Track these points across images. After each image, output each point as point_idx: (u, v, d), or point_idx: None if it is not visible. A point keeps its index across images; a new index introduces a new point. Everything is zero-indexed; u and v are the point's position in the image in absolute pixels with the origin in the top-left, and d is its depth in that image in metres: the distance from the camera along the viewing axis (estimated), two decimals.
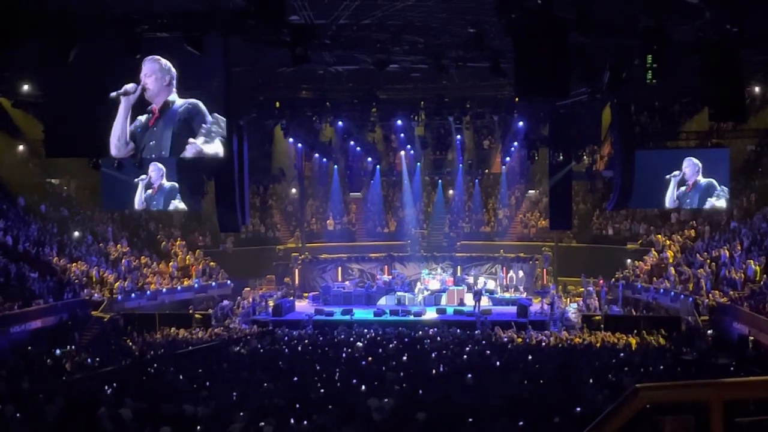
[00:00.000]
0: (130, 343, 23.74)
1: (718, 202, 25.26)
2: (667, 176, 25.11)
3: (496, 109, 27.47)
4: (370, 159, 37.65)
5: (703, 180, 25.01)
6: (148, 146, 17.22)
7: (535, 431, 10.31)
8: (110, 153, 17.64)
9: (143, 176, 25.64)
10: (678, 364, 17.62)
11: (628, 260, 31.88)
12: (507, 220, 38.14)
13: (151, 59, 16.54)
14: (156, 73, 16.66)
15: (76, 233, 31.00)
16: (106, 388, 14.42)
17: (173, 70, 16.69)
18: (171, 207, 26.90)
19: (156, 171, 25.76)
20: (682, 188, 25.16)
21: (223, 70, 16.18)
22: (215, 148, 16.88)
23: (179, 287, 31.38)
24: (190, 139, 16.97)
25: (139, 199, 26.06)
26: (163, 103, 16.86)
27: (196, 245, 35.17)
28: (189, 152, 17.17)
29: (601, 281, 30.94)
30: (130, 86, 16.73)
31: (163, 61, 16.59)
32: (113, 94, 16.68)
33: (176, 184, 25.92)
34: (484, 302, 29.73)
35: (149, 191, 25.93)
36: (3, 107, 28.03)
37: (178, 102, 16.80)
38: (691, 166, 25.15)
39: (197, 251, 34.31)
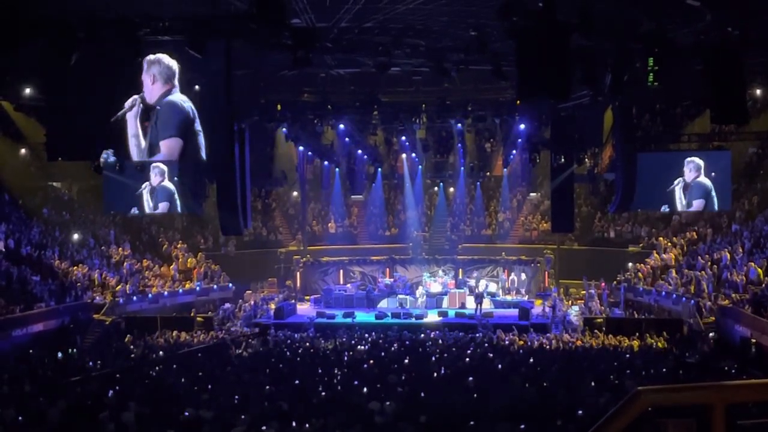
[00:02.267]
0: (132, 347, 23.75)
1: (703, 203, 25.54)
2: (669, 189, 25.11)
3: (498, 112, 27.44)
4: (371, 162, 37.66)
5: (698, 179, 25.04)
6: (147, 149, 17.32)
7: None
8: (131, 158, 17.80)
9: (146, 183, 25.71)
10: (680, 367, 17.61)
11: (630, 264, 31.84)
12: (508, 223, 38.13)
13: (147, 61, 16.53)
14: (146, 73, 16.65)
15: (76, 236, 31.00)
16: (109, 391, 14.43)
17: (171, 66, 16.58)
18: (159, 209, 26.94)
19: (154, 172, 25.78)
20: (686, 192, 25.22)
21: (224, 73, 16.18)
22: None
23: (181, 290, 31.40)
24: (161, 142, 17.04)
25: (147, 206, 26.20)
26: (152, 103, 16.90)
27: (198, 248, 35.19)
28: (162, 155, 17.22)
29: (603, 284, 30.93)
30: (128, 102, 16.78)
31: (156, 57, 16.52)
32: (117, 115, 16.73)
33: (171, 186, 25.94)
34: (486, 305, 29.71)
35: (153, 195, 26.03)
36: (5, 111, 28.10)
37: (166, 98, 16.75)
38: (689, 166, 25.18)
39: (199, 254, 34.33)
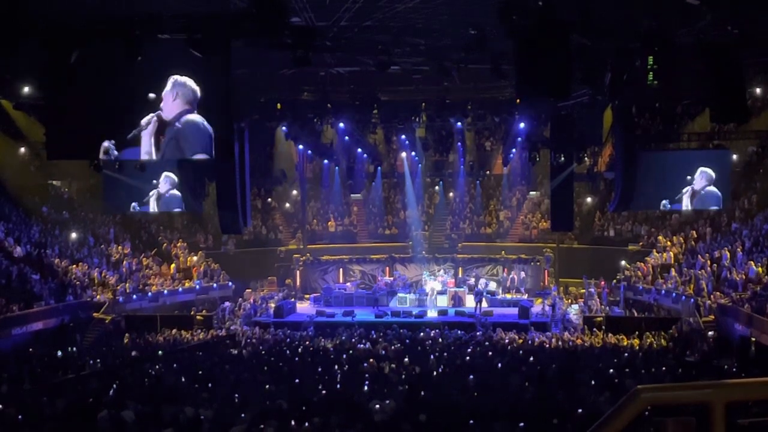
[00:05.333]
0: (132, 345, 23.76)
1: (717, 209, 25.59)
2: (678, 197, 24.95)
3: (498, 111, 27.45)
4: (371, 160, 37.68)
5: (708, 188, 24.92)
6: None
7: None
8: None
9: (154, 191, 25.65)
10: (679, 366, 17.62)
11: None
12: (508, 222, 38.15)
13: (174, 81, 16.42)
14: (169, 92, 16.55)
15: (74, 234, 30.97)
16: (108, 390, 14.44)
17: (195, 91, 16.42)
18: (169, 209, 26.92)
19: (166, 181, 25.72)
20: (695, 199, 25.08)
21: (224, 72, 16.16)
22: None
23: (180, 289, 31.41)
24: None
25: (152, 208, 26.18)
26: (169, 120, 16.79)
27: (198, 247, 35.21)
28: None
29: (603, 282, 30.93)
30: (145, 120, 16.65)
31: (183, 79, 16.42)
32: (134, 132, 16.59)
33: (179, 194, 25.88)
34: (483, 304, 29.67)
35: (160, 201, 25.94)
36: (4, 109, 28.06)
37: (185, 117, 16.67)
38: (702, 175, 25.02)
39: (199, 253, 34.33)
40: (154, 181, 25.83)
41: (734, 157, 28.80)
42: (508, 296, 31.95)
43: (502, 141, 35.47)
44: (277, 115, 26.29)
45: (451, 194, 39.57)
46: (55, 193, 34.15)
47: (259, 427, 10.56)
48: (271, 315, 29.14)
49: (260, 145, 31.14)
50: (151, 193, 25.71)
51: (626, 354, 20.22)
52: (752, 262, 24.91)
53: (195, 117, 16.49)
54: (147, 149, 16.86)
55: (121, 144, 16.66)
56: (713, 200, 25.15)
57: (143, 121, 16.63)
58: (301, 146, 34.32)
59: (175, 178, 25.59)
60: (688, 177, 24.93)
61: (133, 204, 26.44)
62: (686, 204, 25.10)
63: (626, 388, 12.39)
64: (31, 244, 28.40)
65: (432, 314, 29.06)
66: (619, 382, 14.65)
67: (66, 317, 25.48)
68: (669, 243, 30.99)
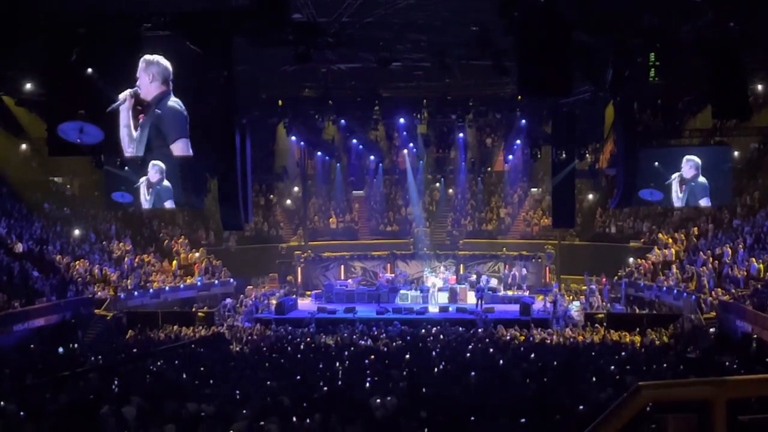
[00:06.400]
0: (133, 342, 23.76)
1: (703, 202, 25.57)
2: (667, 182, 24.99)
3: (499, 108, 27.42)
4: (372, 157, 37.67)
5: (699, 179, 24.96)
6: (142, 145, 17.61)
7: (538, 430, 10.32)
8: (122, 153, 18.04)
9: (143, 178, 25.47)
10: (681, 362, 17.61)
11: (630, 258, 31.89)
12: (510, 218, 38.15)
13: (145, 60, 16.70)
14: (143, 71, 16.84)
15: (75, 231, 30.98)
16: (110, 385, 14.46)
17: (168, 68, 16.77)
18: (163, 206, 26.68)
19: (154, 169, 25.54)
20: (683, 186, 25.11)
21: (226, 69, 16.18)
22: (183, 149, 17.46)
23: (182, 285, 31.42)
24: (172, 144, 17.44)
25: (144, 200, 25.92)
26: (149, 101, 17.08)
27: (200, 243, 35.23)
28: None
29: (604, 279, 30.94)
30: (122, 95, 16.98)
31: (153, 58, 16.68)
32: (110, 108, 16.90)
33: (170, 184, 25.66)
34: (484, 300, 29.66)
35: (150, 190, 25.76)
36: (6, 106, 28.06)
37: (166, 102, 17.00)
38: (688, 164, 25.11)
39: (200, 249, 34.34)
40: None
41: (736, 153, 28.78)
42: (510, 293, 31.91)
43: (503, 137, 35.45)
44: (278, 111, 26.23)
45: (452, 191, 39.56)
46: (57, 189, 34.18)
47: (260, 423, 10.58)
48: (272, 312, 29.15)
49: (261, 141, 31.13)
50: (141, 180, 25.50)
51: (627, 351, 20.21)
52: (754, 259, 24.90)
53: (173, 102, 17.04)
54: (126, 122, 17.19)
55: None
56: (702, 191, 25.15)
57: (121, 96, 17.06)
58: (302, 143, 34.31)
59: (163, 166, 25.37)
60: (675, 174, 25.06)
61: (122, 195, 26.02)
62: (675, 191, 25.05)
63: (627, 384, 12.39)
64: (33, 240, 28.41)
65: (433, 311, 29.08)
66: (620, 378, 14.65)
67: (67, 313, 25.48)
68: (670, 240, 30.98)
